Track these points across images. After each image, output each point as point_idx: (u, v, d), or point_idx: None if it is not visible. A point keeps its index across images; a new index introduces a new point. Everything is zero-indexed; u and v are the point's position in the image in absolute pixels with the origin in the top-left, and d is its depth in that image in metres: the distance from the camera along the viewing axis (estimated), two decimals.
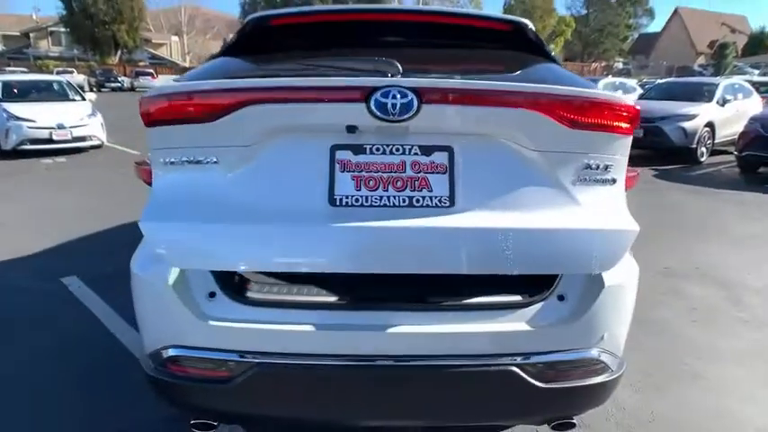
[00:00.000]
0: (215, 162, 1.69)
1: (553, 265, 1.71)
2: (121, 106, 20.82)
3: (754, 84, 15.32)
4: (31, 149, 10.26)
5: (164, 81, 40.67)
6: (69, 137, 10.57)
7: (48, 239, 5.36)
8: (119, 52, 48.50)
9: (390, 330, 1.69)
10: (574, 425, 2.01)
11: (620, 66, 56.55)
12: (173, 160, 1.71)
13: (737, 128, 10.23)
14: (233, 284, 1.80)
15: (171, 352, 1.76)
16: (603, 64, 56.30)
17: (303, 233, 1.64)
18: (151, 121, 1.72)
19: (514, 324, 1.74)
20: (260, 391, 1.73)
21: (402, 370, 1.70)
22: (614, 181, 1.78)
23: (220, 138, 1.67)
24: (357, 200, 1.66)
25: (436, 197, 1.67)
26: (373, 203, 1.65)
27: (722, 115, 11.16)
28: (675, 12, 65.97)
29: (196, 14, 67.02)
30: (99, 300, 3.96)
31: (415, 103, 1.59)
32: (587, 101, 1.71)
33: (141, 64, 48.45)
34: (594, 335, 1.78)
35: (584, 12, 60.31)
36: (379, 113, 1.59)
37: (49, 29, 52.22)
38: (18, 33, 53.44)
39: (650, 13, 68.07)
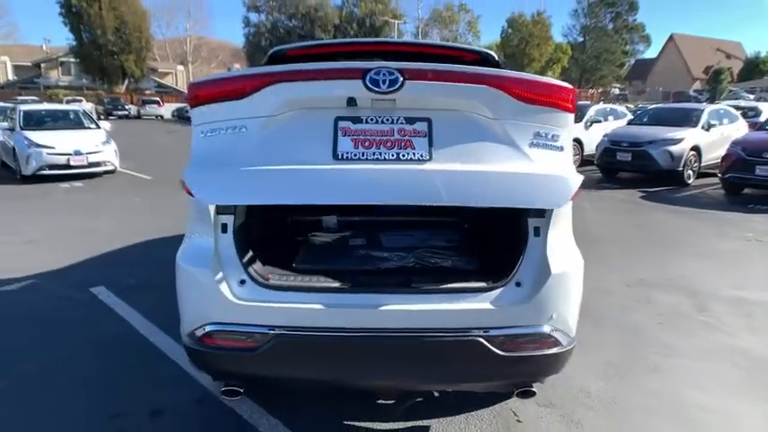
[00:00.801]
0: (244, 129, 2.20)
1: (511, 199, 2.15)
2: (130, 134, 21.49)
3: (741, 108, 15.94)
4: (49, 174, 10.81)
5: (169, 108, 41.76)
6: (85, 162, 11.12)
7: (74, 255, 5.83)
8: (126, 81, 49.69)
9: (382, 308, 2.15)
10: (534, 393, 2.45)
11: (617, 91, 57.54)
12: (210, 130, 2.24)
13: (722, 151, 10.72)
14: (259, 274, 2.28)
15: (208, 328, 2.22)
16: (600, 90, 57.29)
17: (312, 176, 2.12)
18: (197, 102, 2.26)
19: (481, 305, 2.20)
20: (279, 357, 2.19)
21: (392, 340, 2.16)
22: (562, 148, 2.29)
23: (249, 111, 2.20)
24: (355, 155, 2.17)
25: (418, 153, 2.18)
26: (368, 158, 2.17)
27: (708, 139, 11.67)
28: (671, 38, 67.32)
29: (201, 44, 68.81)
30: (127, 306, 4.42)
31: (400, 79, 2.13)
32: (535, 82, 2.25)
33: (147, 92, 49.63)
34: (545, 314, 2.23)
35: (580, 39, 61.52)
36: (372, 87, 2.13)
37: (60, 59, 53.62)
38: (29, 64, 54.88)
39: (646, 40, 69.50)
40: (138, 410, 2.98)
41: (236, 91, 2.20)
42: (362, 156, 2.16)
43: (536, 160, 2.22)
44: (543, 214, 2.29)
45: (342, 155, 2.16)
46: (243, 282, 2.22)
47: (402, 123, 2.20)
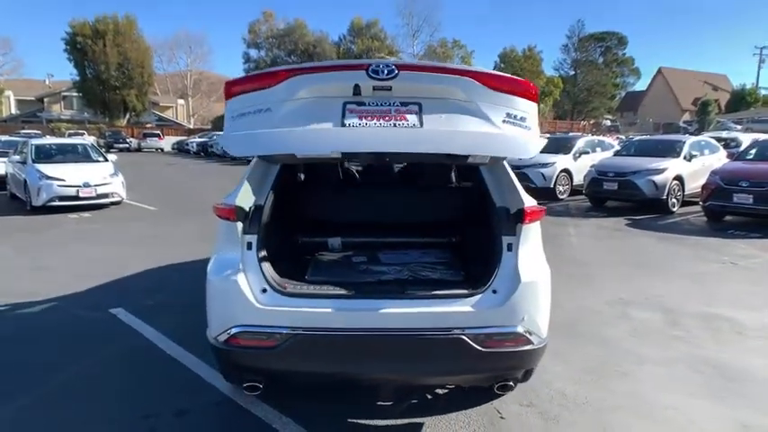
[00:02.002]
0: (269, 110, 2.67)
1: (485, 149, 2.66)
2: (132, 166, 21.97)
3: (723, 140, 16.62)
4: (58, 205, 11.23)
5: (170, 141, 42.52)
6: (94, 194, 11.57)
7: (89, 281, 6.22)
8: (127, 115, 50.68)
9: (381, 311, 2.59)
10: (512, 387, 2.86)
11: (609, 123, 58.73)
12: (240, 114, 2.71)
13: (704, 180, 11.24)
14: (278, 283, 2.71)
15: (234, 330, 2.64)
16: (592, 122, 58.48)
17: (324, 133, 2.59)
18: (231, 95, 2.76)
19: (464, 308, 2.64)
20: (295, 354, 2.60)
21: (390, 338, 2.58)
22: (529, 128, 2.78)
23: (273, 97, 2.67)
24: (360, 124, 2.63)
25: (411, 123, 2.65)
26: (371, 126, 2.62)
27: (690, 169, 12.23)
28: (659, 71, 69.05)
29: (201, 79, 70.16)
30: (145, 325, 4.80)
31: (396, 71, 2.64)
32: (500, 76, 2.80)
33: (148, 126, 50.47)
34: (517, 316, 2.67)
35: (571, 72, 63.11)
36: (373, 75, 2.63)
37: (62, 93, 54.70)
38: (33, 98, 55.93)
39: (636, 73, 71.37)
40: (164, 412, 3.35)
41: (263, 83, 2.71)
42: (366, 125, 2.64)
43: (506, 131, 2.72)
44: (514, 232, 2.75)
45: (349, 124, 2.64)
46: (264, 290, 2.66)
47: (397, 106, 2.69)
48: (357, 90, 2.63)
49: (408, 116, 2.65)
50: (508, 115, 2.74)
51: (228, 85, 2.80)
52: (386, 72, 2.63)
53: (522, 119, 2.77)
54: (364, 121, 2.62)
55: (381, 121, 2.63)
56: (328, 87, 2.69)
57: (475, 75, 2.73)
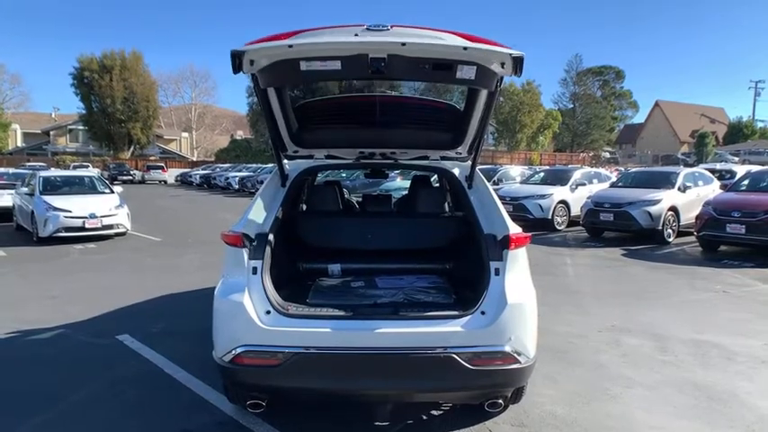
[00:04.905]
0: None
1: (476, 59, 2.87)
2: (136, 198, 22.27)
3: (718, 171, 16.93)
4: (64, 236, 11.45)
5: (173, 174, 43.05)
6: (99, 225, 11.80)
7: (96, 308, 6.39)
8: (132, 147, 51.45)
9: (377, 331, 2.77)
10: (501, 405, 3.02)
11: (608, 155, 59.44)
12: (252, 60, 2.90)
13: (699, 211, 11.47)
14: (281, 306, 2.90)
15: (240, 350, 2.82)
16: (591, 154, 59.16)
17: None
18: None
19: (455, 328, 2.82)
20: (296, 371, 2.77)
21: (385, 356, 2.76)
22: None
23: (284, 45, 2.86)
24: None
25: None
26: None
27: (684, 200, 12.46)
28: (656, 104, 70.17)
29: (205, 112, 71.47)
30: (151, 350, 4.96)
31: (389, 26, 2.80)
32: (482, 38, 2.93)
33: (152, 158, 51.24)
34: (504, 336, 2.85)
35: (570, 106, 64.16)
36: (371, 27, 2.79)
37: (68, 127, 55.70)
38: (39, 131, 56.92)
39: (634, 106, 72.70)
40: (170, 430, 3.50)
41: (276, 39, 2.91)
42: None
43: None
44: (501, 258, 2.95)
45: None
46: (268, 312, 2.85)
47: None
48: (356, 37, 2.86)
49: None
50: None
51: (249, 45, 3.05)
52: (381, 26, 2.87)
53: (503, 63, 2.99)
54: None
55: None
56: (334, 41, 2.89)
57: (458, 33, 2.97)
